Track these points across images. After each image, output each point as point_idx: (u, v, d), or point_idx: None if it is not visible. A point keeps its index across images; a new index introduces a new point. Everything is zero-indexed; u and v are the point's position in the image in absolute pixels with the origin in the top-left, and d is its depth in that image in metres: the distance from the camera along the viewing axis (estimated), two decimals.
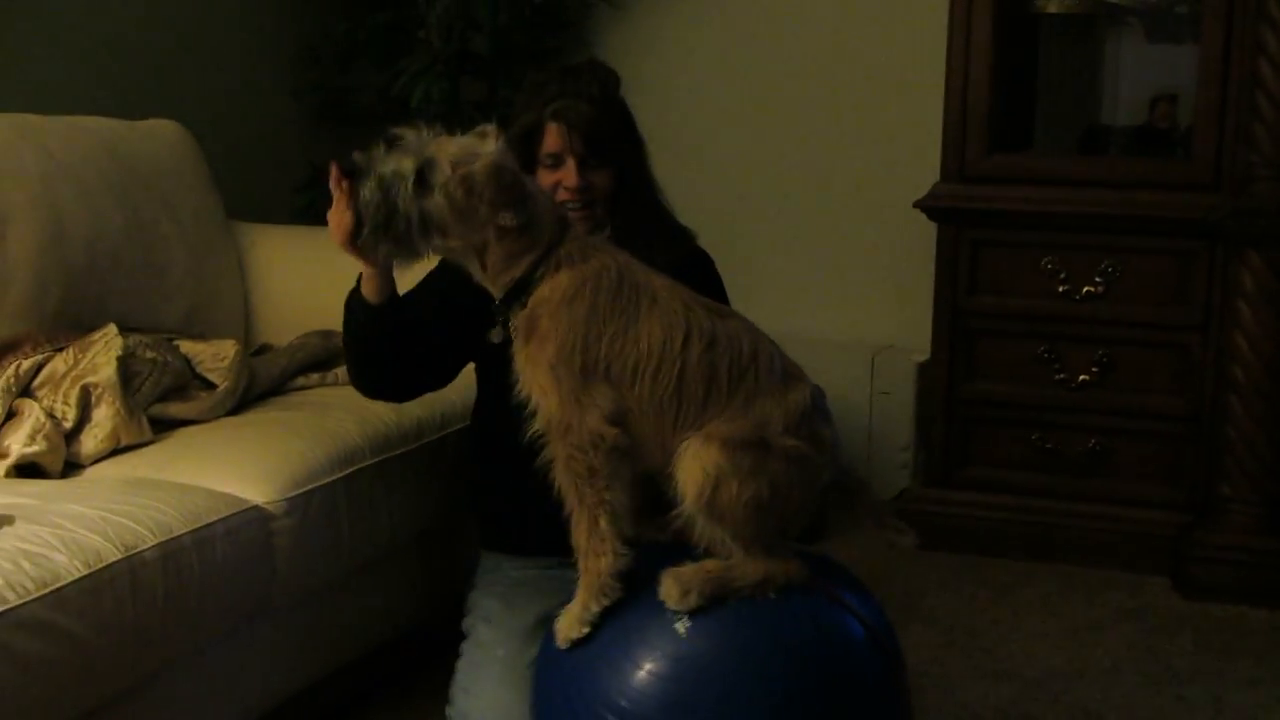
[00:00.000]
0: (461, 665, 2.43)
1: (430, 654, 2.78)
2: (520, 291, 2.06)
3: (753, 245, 4.29)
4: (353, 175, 2.05)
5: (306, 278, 3.30)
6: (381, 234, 2.03)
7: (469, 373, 2.57)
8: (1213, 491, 3.42)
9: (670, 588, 1.98)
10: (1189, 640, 3.10)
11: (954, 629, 3.15)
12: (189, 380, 2.70)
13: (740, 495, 1.96)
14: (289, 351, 2.95)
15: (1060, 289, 3.58)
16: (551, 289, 2.03)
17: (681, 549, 2.07)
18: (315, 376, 2.93)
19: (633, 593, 2.04)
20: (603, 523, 2.00)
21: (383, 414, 2.68)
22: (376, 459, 2.58)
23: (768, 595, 2.01)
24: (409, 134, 2.03)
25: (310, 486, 2.41)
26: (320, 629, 2.53)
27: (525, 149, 2.33)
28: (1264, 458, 3.34)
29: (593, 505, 2.00)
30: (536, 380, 2.02)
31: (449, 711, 2.37)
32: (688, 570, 2.00)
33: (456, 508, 2.76)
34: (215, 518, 2.20)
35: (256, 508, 2.31)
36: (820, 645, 2.01)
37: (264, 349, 3.05)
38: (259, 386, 2.81)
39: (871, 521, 2.23)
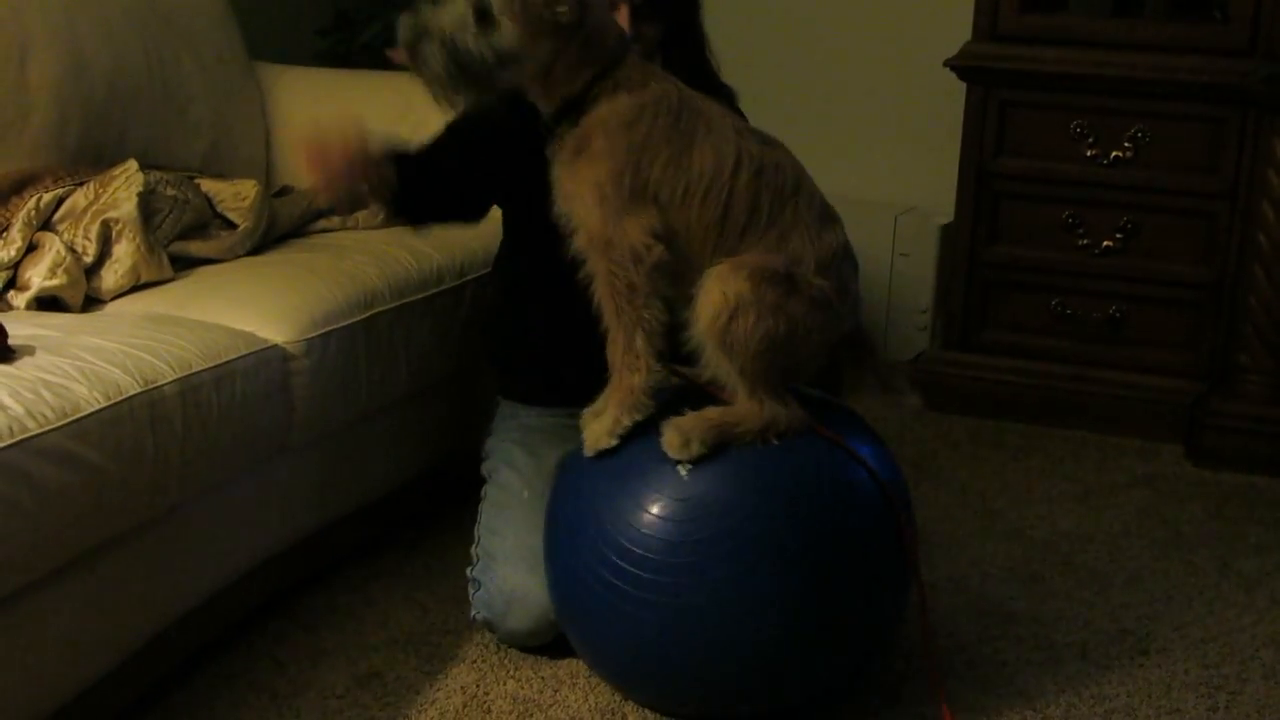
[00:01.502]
0: (486, 508, 2.45)
1: (446, 498, 2.82)
2: (573, 108, 2.05)
3: (779, 102, 4.24)
4: (414, 45, 2.00)
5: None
6: (461, 84, 2.00)
7: (493, 220, 2.56)
8: (1230, 361, 3.42)
9: (671, 437, 2.02)
10: (1199, 508, 3.12)
11: (965, 490, 3.17)
12: (210, 219, 2.70)
13: (756, 328, 1.97)
14: (310, 194, 2.94)
15: (1088, 153, 3.54)
16: (610, 110, 2.02)
17: (702, 396, 2.08)
18: (336, 219, 2.92)
19: (641, 435, 2.06)
20: (639, 339, 2.02)
21: (402, 258, 2.68)
22: (395, 303, 2.59)
23: (770, 442, 2.04)
24: None
25: (329, 328, 2.42)
26: (338, 470, 2.56)
27: None
28: None
29: (630, 322, 2.02)
30: (581, 196, 2.02)
31: (474, 551, 2.41)
32: (688, 419, 2.03)
33: (474, 354, 2.77)
34: (234, 355, 2.21)
35: (275, 347, 2.32)
36: (824, 490, 2.06)
37: (285, 190, 3.04)
38: (279, 228, 2.80)
39: (878, 381, 2.24)
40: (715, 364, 2.02)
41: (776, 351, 2.00)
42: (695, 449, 2.01)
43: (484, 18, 1.97)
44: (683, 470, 2.02)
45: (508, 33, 1.97)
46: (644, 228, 2.00)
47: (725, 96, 2.44)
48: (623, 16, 2.28)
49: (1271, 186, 3.29)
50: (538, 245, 2.25)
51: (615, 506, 2.06)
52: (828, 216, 2.11)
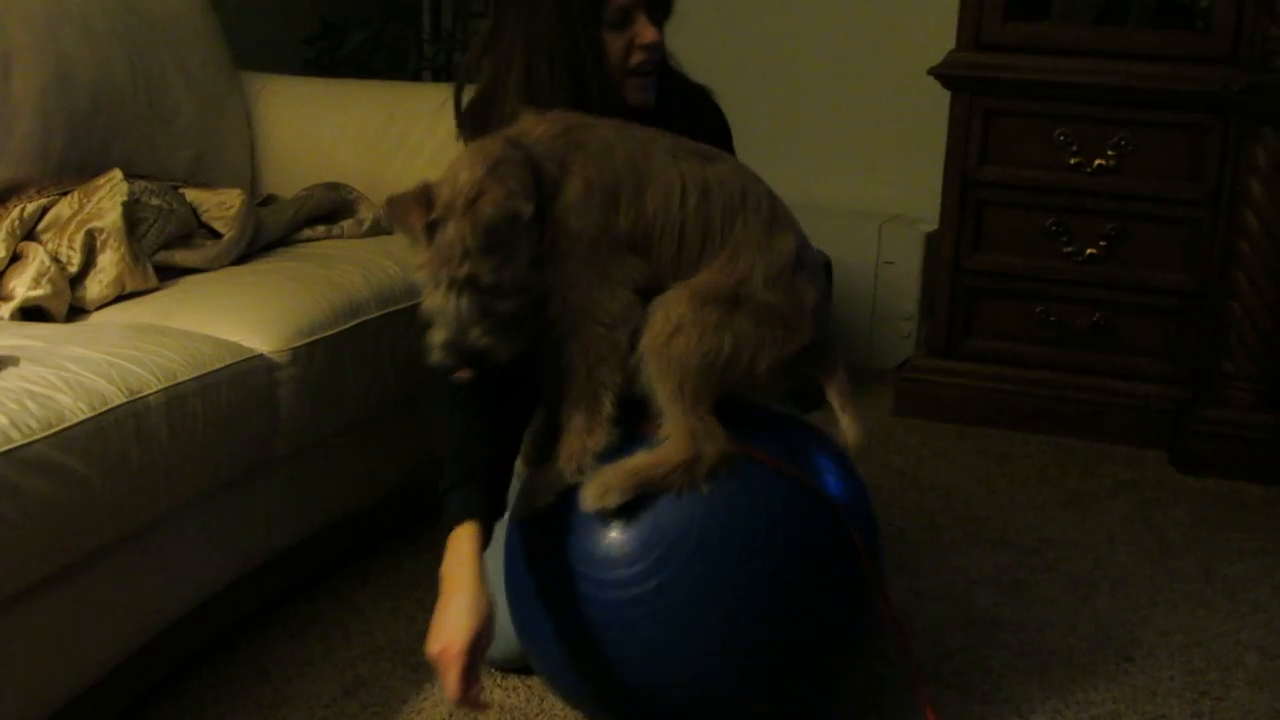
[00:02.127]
0: None
1: (432, 507, 2.81)
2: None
3: (764, 111, 4.25)
4: (455, 355, 1.86)
5: (314, 129, 3.29)
6: (514, 329, 1.86)
7: None
8: (1214, 367, 3.43)
9: (589, 488, 1.92)
10: (1184, 513, 3.13)
11: (950, 497, 3.18)
12: (194, 228, 2.69)
13: (698, 345, 1.91)
14: (295, 203, 2.94)
15: (1071, 161, 3.55)
16: (568, 195, 1.91)
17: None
18: (321, 228, 2.92)
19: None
20: (606, 403, 1.93)
21: (388, 267, 2.69)
22: (381, 311, 2.59)
23: (697, 485, 1.92)
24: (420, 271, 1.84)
25: (314, 337, 2.42)
26: (324, 479, 2.55)
27: (589, 13, 2.13)
28: (1267, 334, 3.34)
29: (600, 385, 1.93)
30: (565, 272, 1.91)
31: None
32: (608, 470, 1.93)
33: None
34: (219, 365, 2.21)
35: (261, 356, 2.32)
36: (774, 518, 1.96)
37: (270, 200, 3.04)
38: (265, 237, 2.80)
39: (834, 399, 2.07)
40: (653, 382, 1.92)
41: (716, 369, 1.92)
42: (614, 499, 1.91)
43: (473, 286, 1.81)
44: (613, 531, 1.94)
45: (507, 277, 1.83)
46: (632, 285, 1.93)
47: (700, 94, 2.35)
48: (645, 25, 2.15)
49: (1254, 194, 3.31)
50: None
51: (571, 542, 1.98)
52: (778, 224, 2.01)
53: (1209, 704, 2.32)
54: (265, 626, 2.46)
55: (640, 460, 1.93)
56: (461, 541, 1.97)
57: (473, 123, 2.24)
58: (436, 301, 1.81)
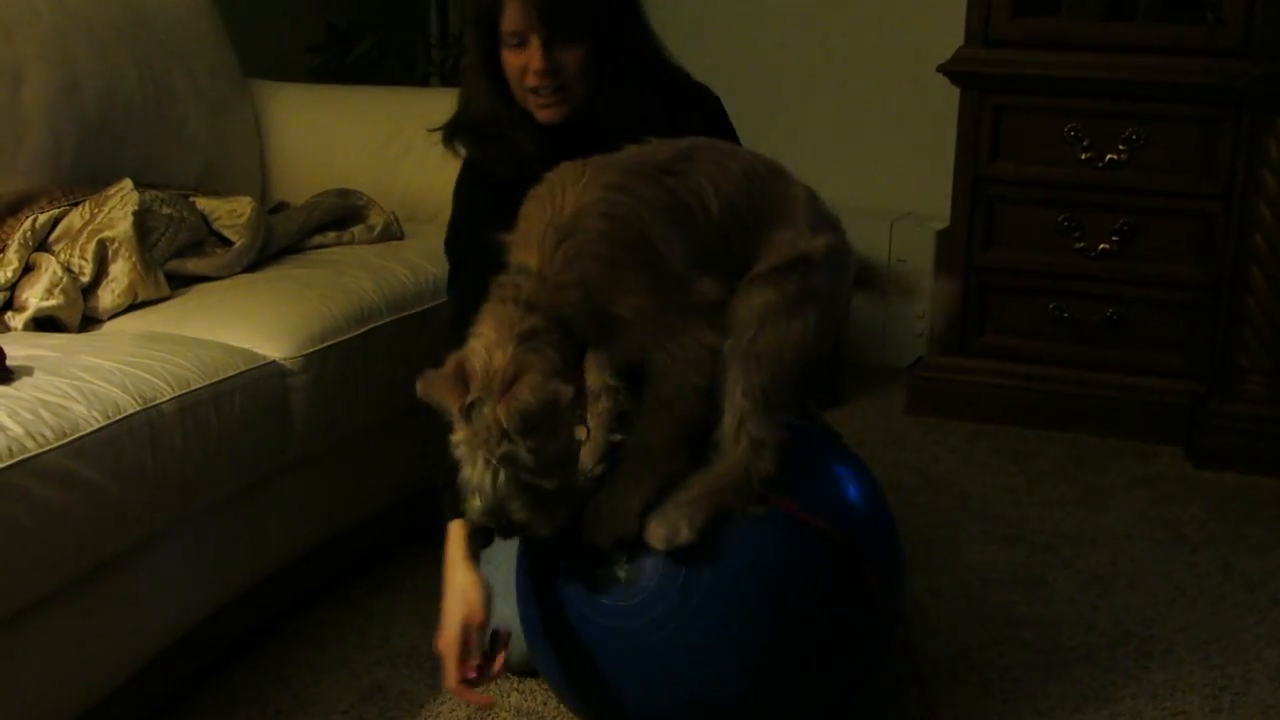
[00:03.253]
0: None
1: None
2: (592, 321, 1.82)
3: (773, 109, 4.25)
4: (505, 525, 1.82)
5: (323, 136, 3.29)
6: (536, 519, 1.80)
7: None
8: (1228, 362, 3.41)
9: (655, 529, 1.84)
10: (1200, 508, 3.12)
11: (966, 495, 3.17)
12: (205, 236, 2.70)
13: (789, 331, 1.86)
14: (306, 210, 2.94)
15: (1083, 156, 3.54)
16: (617, 311, 1.81)
17: None
18: (332, 235, 2.92)
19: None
20: (681, 435, 1.87)
21: (399, 273, 2.69)
22: (393, 317, 2.59)
23: (750, 500, 1.86)
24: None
25: (327, 344, 2.42)
26: (338, 485, 2.56)
27: (487, 30, 2.11)
28: None
29: (682, 418, 1.86)
30: (635, 333, 1.83)
31: None
32: (671, 507, 1.85)
33: None
34: (232, 372, 2.21)
35: (273, 363, 2.32)
36: (783, 560, 1.91)
37: (280, 207, 3.05)
38: (275, 244, 2.80)
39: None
40: (736, 384, 1.84)
41: (810, 347, 1.87)
42: (687, 535, 1.83)
43: (517, 465, 1.75)
44: (620, 572, 1.88)
45: (548, 454, 1.76)
46: (711, 306, 1.84)
47: (682, 96, 2.27)
48: (535, 50, 2.07)
49: (1267, 187, 3.30)
50: None
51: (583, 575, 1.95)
52: (779, 174, 1.97)
53: (1229, 699, 2.31)
54: (282, 633, 2.46)
55: (701, 487, 1.86)
56: (452, 539, 2.02)
57: (447, 134, 2.24)
58: (475, 477, 1.76)
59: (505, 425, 1.71)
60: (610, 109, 2.16)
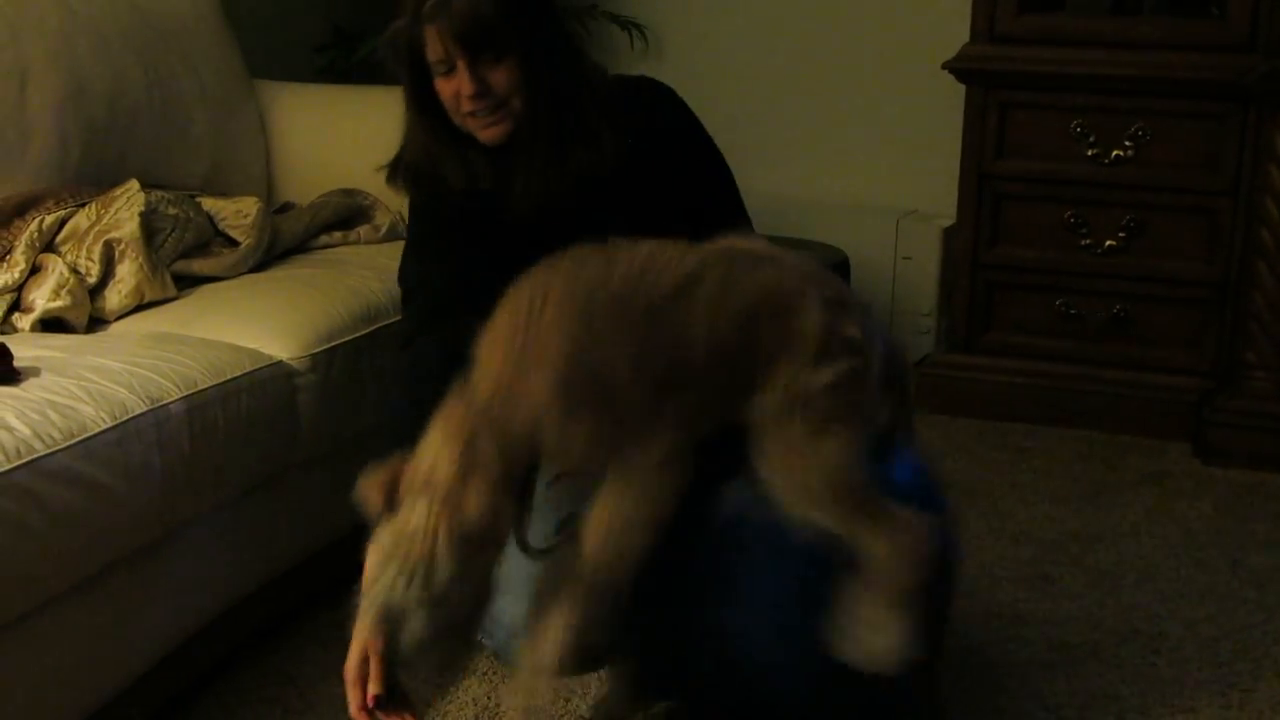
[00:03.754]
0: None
1: None
2: None
3: (778, 108, 4.25)
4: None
5: (329, 136, 3.29)
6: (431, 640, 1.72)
7: None
8: (1236, 358, 3.41)
9: (871, 643, 1.68)
10: (1208, 505, 3.11)
11: (974, 492, 3.17)
12: (211, 237, 2.70)
13: (837, 453, 1.66)
14: (312, 210, 2.95)
15: (1089, 153, 3.54)
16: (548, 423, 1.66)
17: None
18: (338, 235, 2.93)
19: None
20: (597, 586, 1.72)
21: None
22: (400, 316, 2.58)
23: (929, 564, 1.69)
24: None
25: (334, 343, 2.42)
26: (347, 485, 2.53)
27: (413, 60, 2.05)
28: None
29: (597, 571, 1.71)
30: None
31: None
32: (864, 615, 1.68)
33: None
34: (239, 372, 2.21)
35: (280, 363, 2.32)
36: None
37: (286, 207, 3.05)
38: (282, 244, 2.81)
39: None
40: (813, 511, 1.67)
41: (851, 465, 1.66)
42: (908, 652, 1.67)
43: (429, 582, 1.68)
44: None
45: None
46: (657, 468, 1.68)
47: (625, 102, 2.16)
48: (463, 75, 2.00)
49: (1274, 182, 3.29)
50: None
51: None
52: (790, 308, 1.70)
53: (1238, 695, 2.31)
54: (290, 633, 2.47)
55: (880, 582, 1.69)
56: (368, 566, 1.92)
57: (390, 174, 2.19)
58: (383, 580, 1.69)
59: (437, 540, 1.62)
60: (551, 118, 2.08)
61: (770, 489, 1.67)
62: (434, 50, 2.01)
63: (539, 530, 1.87)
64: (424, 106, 2.09)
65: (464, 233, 2.11)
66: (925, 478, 2.03)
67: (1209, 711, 2.26)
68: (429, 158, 2.12)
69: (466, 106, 2.04)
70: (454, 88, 2.03)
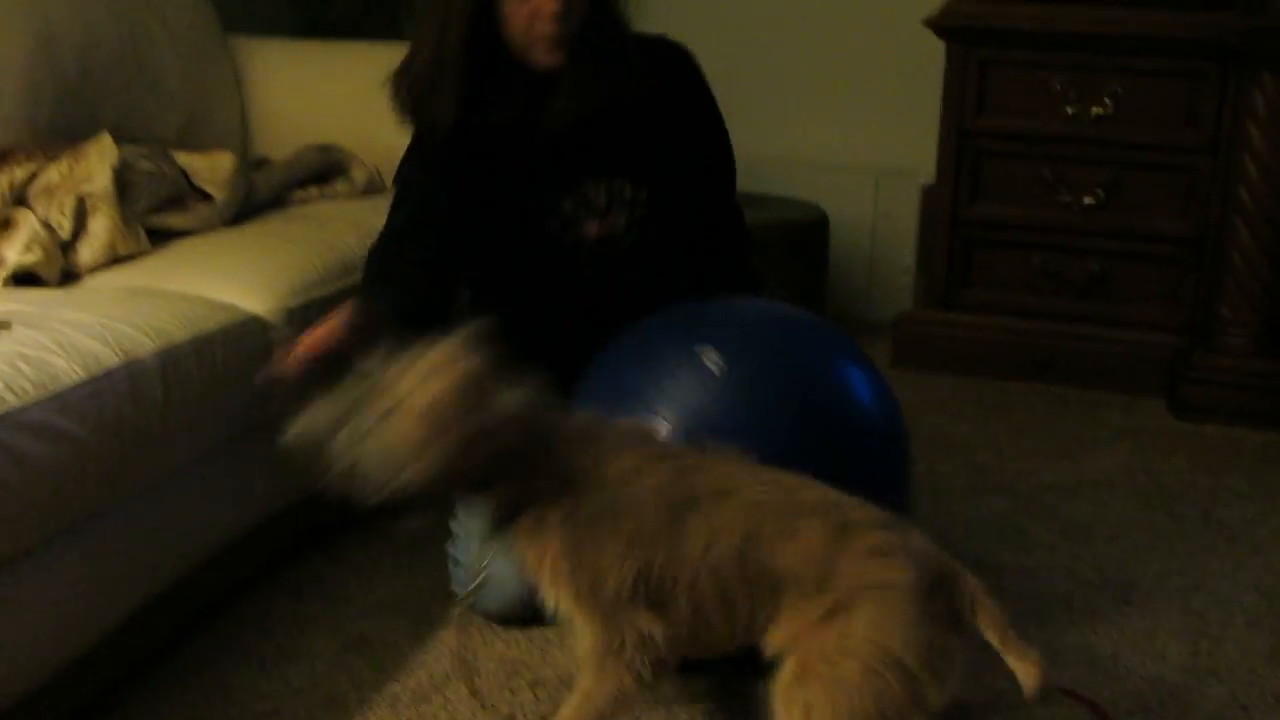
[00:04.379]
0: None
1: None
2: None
3: (757, 65, 4.23)
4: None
5: (305, 91, 3.28)
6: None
7: None
8: (1211, 314, 3.42)
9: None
10: (1182, 459, 3.13)
11: (950, 447, 3.18)
12: (185, 191, 2.69)
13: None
14: (286, 165, 2.94)
15: (1068, 110, 3.53)
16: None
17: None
18: (314, 189, 2.92)
19: (637, 389, 2.04)
20: None
21: (381, 227, 2.67)
22: None
23: None
24: None
25: (309, 297, 2.42)
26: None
27: None
28: (1265, 280, 3.33)
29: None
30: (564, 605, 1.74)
31: (452, 525, 2.38)
32: None
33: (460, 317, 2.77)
34: (214, 326, 2.21)
35: (256, 317, 2.32)
36: (834, 417, 2.04)
37: (262, 162, 3.04)
38: (257, 199, 2.80)
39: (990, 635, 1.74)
40: None
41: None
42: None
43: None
44: (712, 364, 1.97)
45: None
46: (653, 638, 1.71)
47: (651, 53, 2.29)
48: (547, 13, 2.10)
49: (1252, 140, 3.30)
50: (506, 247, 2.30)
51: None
52: (789, 530, 1.69)
53: (1207, 644, 2.33)
54: (266, 586, 2.47)
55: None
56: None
57: (394, 86, 2.30)
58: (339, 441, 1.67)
59: (413, 467, 1.63)
60: (601, 45, 2.18)
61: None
62: None
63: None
64: (476, 30, 2.15)
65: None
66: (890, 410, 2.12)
67: (1179, 659, 2.28)
68: (440, 72, 2.20)
69: (547, 28, 2.12)
70: (532, 8, 2.11)
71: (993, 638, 1.69)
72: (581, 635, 1.74)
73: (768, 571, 1.67)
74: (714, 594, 1.68)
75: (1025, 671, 1.67)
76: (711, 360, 1.99)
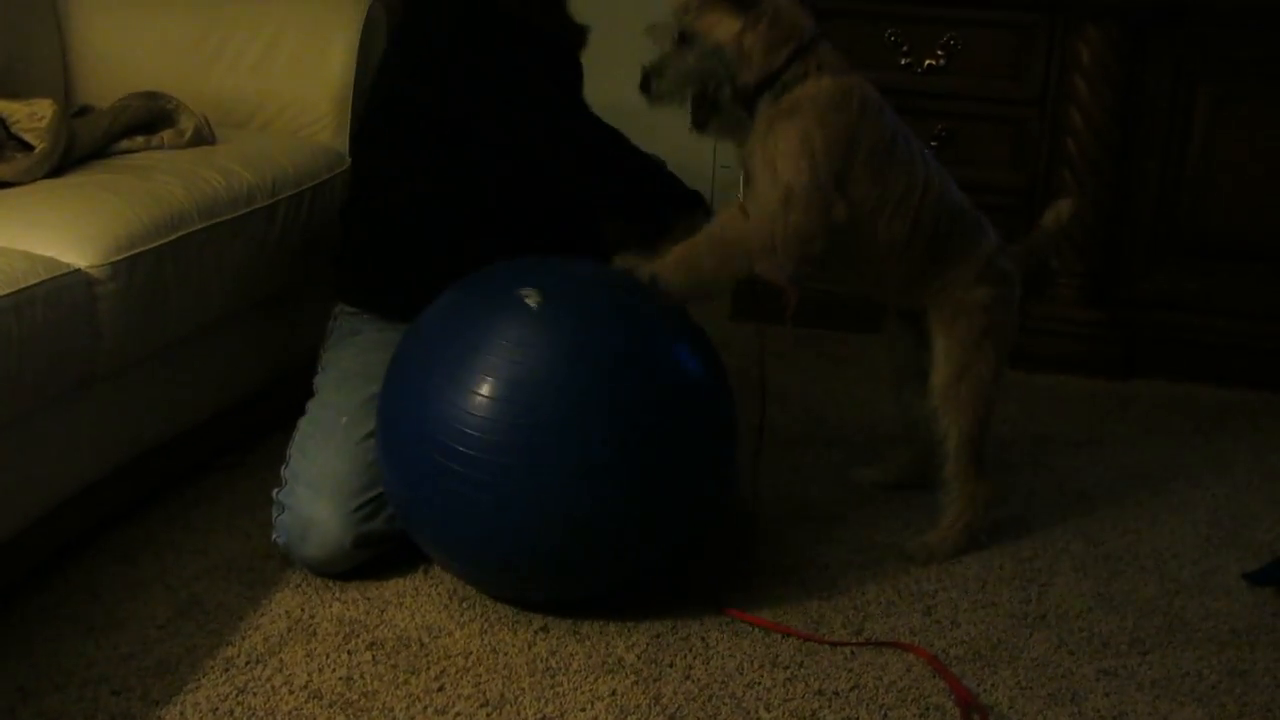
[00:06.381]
0: (302, 424, 2.42)
1: (272, 419, 2.76)
2: (773, 81, 2.25)
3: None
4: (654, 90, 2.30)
5: (130, 36, 3.16)
6: (705, 104, 2.31)
7: (313, 140, 2.51)
8: (1041, 264, 3.49)
9: (917, 551, 2.47)
10: (1014, 408, 3.20)
11: (787, 398, 3.22)
12: (4, 141, 2.58)
13: (980, 390, 2.45)
14: (111, 113, 2.83)
15: (903, 62, 3.57)
16: (816, 88, 2.25)
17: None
18: (140, 139, 2.81)
19: (465, 323, 2.11)
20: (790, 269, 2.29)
21: (211, 178, 2.61)
22: (205, 224, 2.51)
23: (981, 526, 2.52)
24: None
25: (135, 251, 2.33)
26: (152, 397, 2.49)
27: None
28: (1093, 231, 3.42)
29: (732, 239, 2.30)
30: (787, 154, 2.23)
31: (283, 471, 2.37)
32: (932, 541, 2.47)
33: (297, 274, 2.73)
34: (34, 281, 2.12)
35: (78, 271, 2.23)
36: (655, 363, 2.16)
37: (85, 110, 2.92)
38: (80, 149, 2.69)
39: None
40: (950, 433, 2.44)
41: (996, 386, 2.48)
42: (936, 561, 2.46)
43: (684, 39, 2.26)
44: (531, 301, 2.09)
45: (702, 38, 2.24)
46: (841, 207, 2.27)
47: (576, 34, 2.60)
48: None
49: (1079, 92, 3.37)
50: (471, 164, 2.43)
51: (445, 392, 2.09)
52: (982, 227, 2.50)
53: (1036, 590, 2.39)
54: (95, 549, 2.40)
55: (952, 522, 2.49)
56: None
57: None
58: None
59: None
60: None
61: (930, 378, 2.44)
62: None
63: None
64: None
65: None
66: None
67: (1011, 605, 2.34)
68: None
69: None
70: None
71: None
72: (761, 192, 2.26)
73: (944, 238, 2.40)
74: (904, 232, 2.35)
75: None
76: (531, 299, 2.11)
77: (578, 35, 2.61)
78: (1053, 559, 2.50)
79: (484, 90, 2.40)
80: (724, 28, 2.23)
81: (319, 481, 2.30)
